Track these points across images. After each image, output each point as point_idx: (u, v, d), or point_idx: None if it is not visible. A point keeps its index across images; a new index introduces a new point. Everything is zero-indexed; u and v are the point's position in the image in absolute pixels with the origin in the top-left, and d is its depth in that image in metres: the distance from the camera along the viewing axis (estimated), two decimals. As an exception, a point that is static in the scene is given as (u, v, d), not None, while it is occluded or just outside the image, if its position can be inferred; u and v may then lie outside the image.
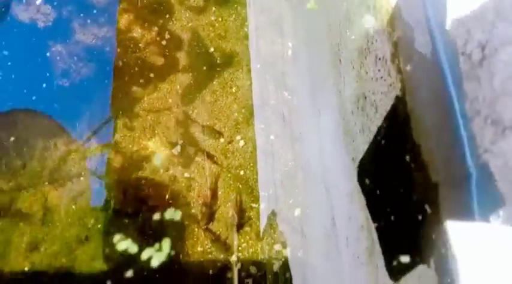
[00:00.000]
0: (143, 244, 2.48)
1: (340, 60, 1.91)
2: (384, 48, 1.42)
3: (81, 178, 2.63)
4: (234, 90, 2.96)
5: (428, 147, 1.20)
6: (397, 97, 1.34)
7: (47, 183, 2.52)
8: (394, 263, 1.32)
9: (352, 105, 1.76)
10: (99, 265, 2.30)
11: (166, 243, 2.54)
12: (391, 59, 1.38)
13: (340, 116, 1.92)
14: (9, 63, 2.85)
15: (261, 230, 2.71)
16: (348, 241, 1.83)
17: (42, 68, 2.87)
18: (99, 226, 2.34)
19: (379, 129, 1.46)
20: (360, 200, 1.67)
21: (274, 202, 2.73)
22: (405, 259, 1.25)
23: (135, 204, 2.62)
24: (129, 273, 2.34)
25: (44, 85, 2.84)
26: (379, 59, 1.48)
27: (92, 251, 2.24)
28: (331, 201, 2.13)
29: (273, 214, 2.72)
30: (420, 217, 1.19)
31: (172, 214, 2.66)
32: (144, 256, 2.41)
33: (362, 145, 1.64)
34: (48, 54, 2.90)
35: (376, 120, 1.50)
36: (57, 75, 2.88)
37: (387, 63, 1.43)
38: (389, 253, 1.36)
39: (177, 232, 2.68)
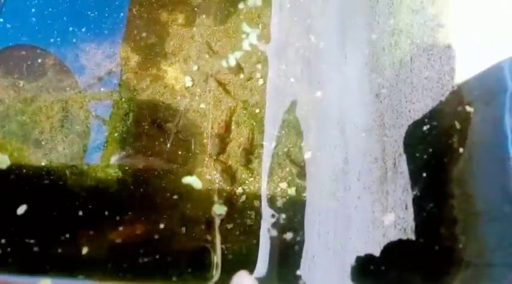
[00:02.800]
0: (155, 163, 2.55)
1: (377, 1, 1.90)
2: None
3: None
4: (260, 26, 2.94)
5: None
6: (434, 29, 1.35)
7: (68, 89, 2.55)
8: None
9: (384, 41, 1.76)
10: (113, 171, 2.37)
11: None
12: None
13: (369, 54, 1.93)
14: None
15: (268, 167, 2.78)
16: (360, 175, 1.90)
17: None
18: (115, 134, 2.39)
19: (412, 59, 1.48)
20: (378, 133, 1.72)
21: (284, 142, 2.78)
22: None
23: (149, 124, 2.67)
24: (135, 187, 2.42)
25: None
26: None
27: (107, 158, 2.31)
28: (346, 142, 2.18)
29: (282, 153, 2.77)
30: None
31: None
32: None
33: (390, 80, 1.67)
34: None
35: (411, 51, 1.51)
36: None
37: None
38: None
39: (187, 158, 2.74)
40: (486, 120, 1.03)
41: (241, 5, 2.94)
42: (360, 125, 1.92)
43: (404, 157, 1.45)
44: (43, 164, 2.21)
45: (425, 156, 1.33)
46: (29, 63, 2.48)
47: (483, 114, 1.10)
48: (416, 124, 1.40)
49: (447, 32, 1.34)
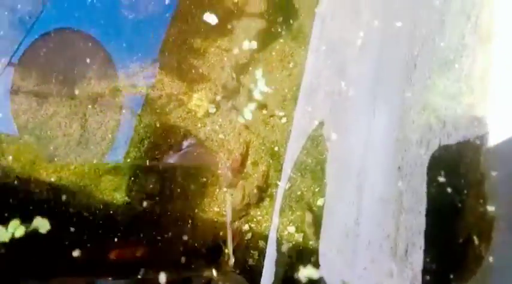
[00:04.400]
0: (165, 188, 2.52)
1: (415, 65, 1.82)
2: (475, 65, 1.34)
3: (118, 110, 2.65)
4: (291, 65, 2.89)
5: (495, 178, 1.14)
6: (472, 123, 1.26)
7: (90, 106, 2.57)
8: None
9: (415, 114, 1.68)
10: (120, 196, 2.36)
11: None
12: (480, 77, 1.30)
13: (397, 121, 1.84)
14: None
15: (279, 209, 2.71)
16: (370, 244, 1.81)
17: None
18: (128, 160, 2.38)
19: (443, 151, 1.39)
20: (395, 209, 1.63)
21: (299, 185, 2.70)
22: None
23: (166, 149, 2.65)
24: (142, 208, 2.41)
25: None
26: (465, 75, 1.39)
27: (117, 182, 2.30)
28: (361, 201, 2.09)
29: (295, 196, 2.70)
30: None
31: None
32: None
33: (415, 159, 1.58)
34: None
35: (441, 137, 1.43)
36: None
37: (472, 80, 1.35)
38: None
39: (199, 186, 2.71)
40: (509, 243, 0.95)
41: (275, 42, 2.91)
42: (378, 191, 1.84)
43: (417, 248, 1.36)
44: (53, 180, 2.22)
45: (439, 256, 1.24)
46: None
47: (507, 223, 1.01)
48: (435, 218, 1.31)
49: (481, 124, 1.25)
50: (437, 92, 1.54)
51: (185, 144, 2.77)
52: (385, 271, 1.53)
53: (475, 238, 1.11)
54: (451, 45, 1.50)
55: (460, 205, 1.19)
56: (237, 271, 2.60)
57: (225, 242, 2.58)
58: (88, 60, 2.61)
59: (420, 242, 1.36)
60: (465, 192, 1.19)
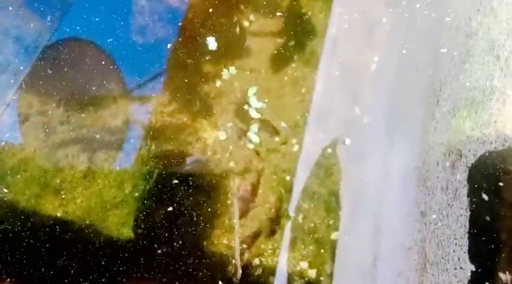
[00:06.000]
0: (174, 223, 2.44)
1: (437, 101, 1.70)
2: (505, 109, 1.22)
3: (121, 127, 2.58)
4: (303, 90, 2.79)
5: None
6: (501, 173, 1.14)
7: (98, 136, 2.51)
8: None
9: (439, 156, 1.56)
10: (127, 232, 2.29)
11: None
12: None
13: (420, 160, 1.72)
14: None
15: (290, 242, 2.60)
16: (389, 295, 1.68)
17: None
18: (136, 194, 2.30)
19: (471, 199, 1.27)
20: (418, 260, 1.50)
21: (312, 217, 2.59)
22: None
23: (174, 182, 2.57)
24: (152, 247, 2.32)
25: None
26: (495, 121, 1.27)
27: (123, 217, 2.22)
28: (379, 242, 1.97)
29: (308, 228, 2.59)
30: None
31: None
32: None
33: (439, 205, 1.46)
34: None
35: (469, 185, 1.31)
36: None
37: (502, 126, 1.23)
38: None
39: (209, 218, 2.61)
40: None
41: (286, 67, 2.82)
42: (398, 237, 1.72)
43: (445, 313, 1.24)
44: (58, 215, 2.15)
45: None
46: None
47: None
48: (465, 277, 1.18)
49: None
50: (463, 134, 1.42)
51: (188, 161, 2.68)
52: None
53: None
54: (478, 86, 1.39)
55: (493, 265, 1.06)
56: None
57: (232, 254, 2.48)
58: (95, 72, 2.55)
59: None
60: (499, 251, 1.06)
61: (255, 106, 2.72)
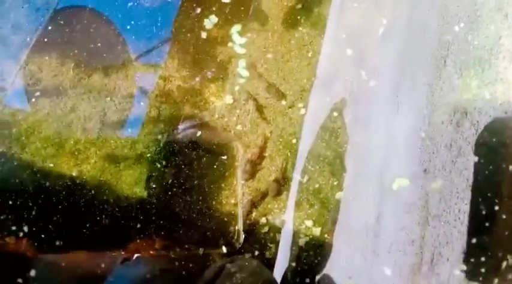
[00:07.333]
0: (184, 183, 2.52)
1: (444, 61, 1.73)
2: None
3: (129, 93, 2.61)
4: (310, 54, 2.80)
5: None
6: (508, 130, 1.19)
7: (108, 99, 2.55)
8: None
9: (444, 115, 1.61)
10: (139, 190, 2.37)
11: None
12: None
13: (424, 120, 1.77)
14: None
15: (295, 202, 2.69)
16: (391, 247, 1.77)
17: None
18: (148, 155, 2.37)
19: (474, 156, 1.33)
20: (421, 214, 1.58)
21: (317, 178, 2.66)
22: None
23: (185, 142, 2.63)
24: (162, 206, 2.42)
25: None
26: (501, 78, 1.31)
27: (136, 176, 2.30)
28: (383, 200, 2.05)
29: (313, 189, 2.67)
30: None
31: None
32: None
33: (442, 163, 1.52)
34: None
35: (473, 143, 1.36)
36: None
37: (508, 84, 1.27)
38: None
39: (216, 179, 2.69)
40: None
41: (293, 30, 2.81)
42: (402, 194, 1.79)
43: (444, 260, 1.32)
44: (74, 174, 2.23)
45: (468, 272, 1.20)
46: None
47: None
48: (466, 229, 1.26)
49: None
50: (469, 93, 1.46)
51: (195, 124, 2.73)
52: (409, 281, 1.50)
53: (509, 257, 1.06)
54: (486, 45, 1.41)
55: (493, 218, 1.14)
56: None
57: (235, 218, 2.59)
58: (102, 38, 2.57)
59: (447, 253, 1.32)
60: (499, 203, 1.14)
61: (238, 42, 2.76)
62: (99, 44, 2.59)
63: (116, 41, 2.66)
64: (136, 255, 2.41)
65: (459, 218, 1.30)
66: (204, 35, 2.78)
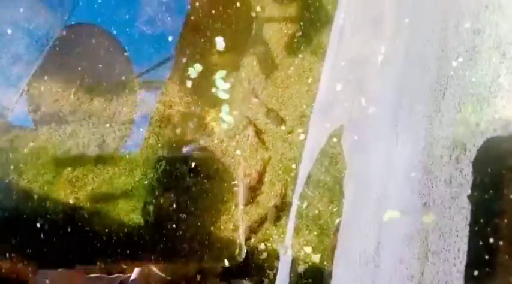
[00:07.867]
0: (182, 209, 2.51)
1: (443, 94, 1.74)
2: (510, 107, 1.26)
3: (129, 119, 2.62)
4: (309, 81, 2.82)
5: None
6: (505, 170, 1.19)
7: (107, 125, 2.55)
8: None
9: (443, 149, 1.61)
10: (136, 218, 2.36)
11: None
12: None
13: (424, 153, 1.77)
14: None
15: (294, 228, 2.67)
16: (391, 281, 1.75)
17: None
18: (145, 181, 2.37)
19: (473, 193, 1.33)
20: (421, 250, 1.57)
21: (316, 204, 2.65)
22: None
23: (182, 168, 2.63)
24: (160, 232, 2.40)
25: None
26: (499, 117, 1.32)
27: (133, 203, 2.29)
28: (381, 231, 2.03)
29: (313, 215, 2.66)
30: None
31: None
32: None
33: (442, 198, 1.51)
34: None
35: (471, 180, 1.36)
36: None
37: (507, 123, 1.28)
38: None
39: (215, 204, 2.68)
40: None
41: (293, 57, 2.84)
42: (401, 227, 1.78)
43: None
44: (70, 201, 2.22)
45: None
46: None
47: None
48: (465, 269, 1.25)
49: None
50: (468, 129, 1.46)
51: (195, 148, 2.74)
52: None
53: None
54: (484, 83, 1.43)
55: (494, 257, 1.13)
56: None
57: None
58: (104, 60, 2.59)
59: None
60: (500, 243, 1.13)
61: (222, 88, 2.77)
62: (101, 65, 2.60)
63: (118, 61, 2.68)
64: (131, 278, 2.38)
65: (458, 257, 1.29)
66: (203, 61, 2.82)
